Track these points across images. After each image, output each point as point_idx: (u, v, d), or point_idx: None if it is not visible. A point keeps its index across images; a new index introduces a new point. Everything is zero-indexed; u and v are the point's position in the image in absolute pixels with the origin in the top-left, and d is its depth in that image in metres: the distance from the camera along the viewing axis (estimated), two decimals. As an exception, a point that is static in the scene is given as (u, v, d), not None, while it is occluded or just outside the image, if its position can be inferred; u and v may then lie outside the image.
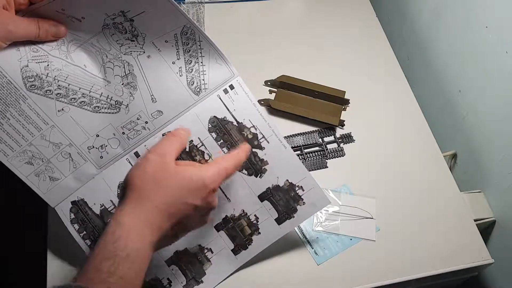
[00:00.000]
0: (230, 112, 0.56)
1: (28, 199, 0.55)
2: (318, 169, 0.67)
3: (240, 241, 0.56)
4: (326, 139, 0.70)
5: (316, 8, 0.87)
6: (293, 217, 0.56)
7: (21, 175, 0.52)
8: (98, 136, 0.53)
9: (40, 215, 0.65)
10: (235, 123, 0.56)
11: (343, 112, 0.72)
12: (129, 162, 0.54)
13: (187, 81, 0.54)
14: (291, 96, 0.73)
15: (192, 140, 0.55)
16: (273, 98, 0.73)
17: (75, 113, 0.52)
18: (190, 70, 0.54)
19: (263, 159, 0.56)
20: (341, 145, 0.69)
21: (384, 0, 0.94)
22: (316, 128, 0.70)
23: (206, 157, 0.55)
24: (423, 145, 0.70)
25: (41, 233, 0.61)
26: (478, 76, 0.70)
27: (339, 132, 0.71)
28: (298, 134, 0.69)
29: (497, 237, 0.69)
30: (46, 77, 0.50)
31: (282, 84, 0.73)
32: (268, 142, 0.56)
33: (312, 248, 0.60)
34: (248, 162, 0.56)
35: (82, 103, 0.52)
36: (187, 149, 0.55)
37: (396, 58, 0.80)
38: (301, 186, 0.56)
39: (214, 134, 0.55)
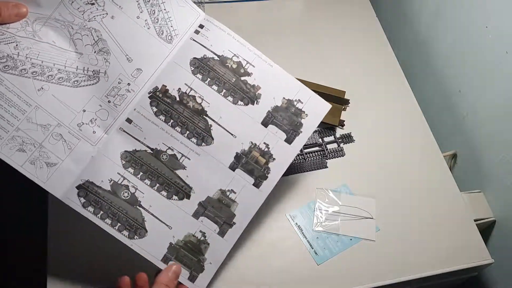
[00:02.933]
0: (208, 49, 0.55)
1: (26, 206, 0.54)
2: (318, 169, 0.67)
3: (259, 173, 0.55)
4: (326, 139, 0.70)
5: (316, 8, 0.87)
6: (301, 132, 0.56)
7: (15, 164, 0.50)
8: (85, 111, 0.52)
9: (38, 222, 0.65)
10: (216, 57, 0.55)
11: (343, 112, 0.72)
12: (123, 130, 0.53)
13: (156, 31, 0.54)
14: (291, 96, 0.73)
15: (180, 88, 0.54)
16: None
17: (56, 91, 0.51)
18: (156, 20, 0.54)
19: (254, 85, 0.56)
20: (341, 145, 0.69)
21: (384, 0, 0.94)
22: (316, 128, 0.70)
23: (199, 100, 0.54)
24: (423, 145, 0.70)
25: (40, 240, 0.60)
26: (478, 76, 0.70)
27: (339, 132, 0.71)
28: None
29: (497, 237, 0.69)
30: (17, 56, 0.49)
31: (282, 84, 0.73)
32: (253, 66, 0.56)
33: (312, 248, 0.60)
34: (241, 92, 0.55)
35: (60, 79, 0.51)
36: (177, 99, 0.54)
37: (396, 58, 0.80)
38: (298, 100, 0.56)
39: (199, 75, 0.55)
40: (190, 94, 0.54)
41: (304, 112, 0.56)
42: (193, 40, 0.55)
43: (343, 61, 0.79)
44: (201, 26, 0.56)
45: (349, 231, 0.61)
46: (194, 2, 0.83)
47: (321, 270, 0.58)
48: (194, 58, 0.55)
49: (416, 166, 0.68)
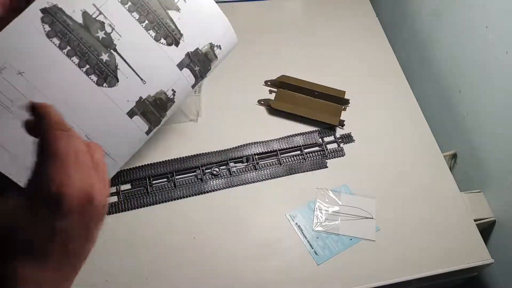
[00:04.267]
0: None
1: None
2: (318, 169, 0.67)
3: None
4: (326, 139, 0.70)
5: (316, 8, 0.87)
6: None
7: None
8: None
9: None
10: None
11: (343, 112, 0.72)
12: None
13: None
14: (291, 96, 0.73)
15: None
16: (273, 98, 0.73)
17: None
18: None
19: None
20: (341, 145, 0.69)
21: (384, 0, 0.94)
22: (316, 128, 0.70)
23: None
24: (423, 145, 0.70)
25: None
26: (478, 76, 0.70)
27: (339, 132, 0.71)
28: (298, 134, 0.69)
29: (497, 237, 0.69)
30: None
31: (282, 84, 0.73)
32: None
33: (312, 248, 0.60)
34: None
35: None
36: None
37: (396, 58, 0.80)
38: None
39: None
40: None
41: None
42: None
43: (343, 61, 0.79)
44: None
45: (349, 231, 0.61)
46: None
47: (321, 270, 0.58)
48: None
49: (416, 166, 0.68)
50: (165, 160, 0.65)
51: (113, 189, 0.62)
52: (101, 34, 0.45)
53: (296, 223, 0.61)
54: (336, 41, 0.82)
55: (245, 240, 0.60)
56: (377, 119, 0.73)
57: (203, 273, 0.57)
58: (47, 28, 0.42)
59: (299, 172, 0.66)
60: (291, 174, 0.66)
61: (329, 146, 0.69)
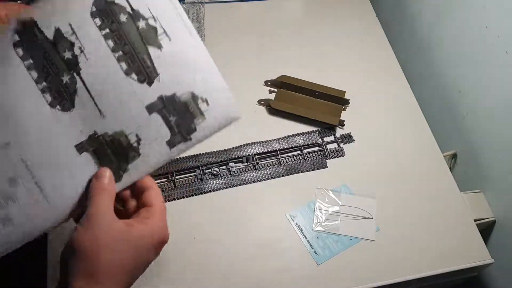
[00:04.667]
0: None
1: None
2: (318, 169, 0.67)
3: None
4: (326, 139, 0.70)
5: (316, 8, 0.87)
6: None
7: None
8: None
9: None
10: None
11: (343, 112, 0.72)
12: None
13: None
14: (291, 96, 0.73)
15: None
16: (273, 98, 0.73)
17: None
18: None
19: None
20: (341, 145, 0.69)
21: (384, 0, 0.94)
22: (316, 128, 0.70)
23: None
24: (423, 145, 0.70)
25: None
26: (478, 76, 0.70)
27: (339, 132, 0.71)
28: (298, 134, 0.69)
29: (497, 237, 0.69)
30: None
31: (282, 84, 0.73)
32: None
33: (312, 248, 0.60)
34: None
35: None
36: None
37: (396, 58, 0.80)
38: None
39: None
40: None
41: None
42: None
43: (343, 61, 0.79)
44: None
45: (349, 231, 0.61)
46: (194, 2, 0.83)
47: (321, 270, 0.58)
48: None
49: (416, 166, 0.68)
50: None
51: None
52: (67, 54, 0.42)
53: (296, 223, 0.61)
54: (336, 41, 0.82)
55: (245, 240, 0.60)
56: (377, 119, 0.73)
57: (203, 273, 0.57)
58: (16, 38, 0.41)
59: (299, 172, 0.66)
60: (291, 174, 0.66)
61: (329, 146, 0.69)
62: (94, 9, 0.42)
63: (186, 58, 0.43)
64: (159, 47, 0.43)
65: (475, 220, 0.65)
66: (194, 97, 0.43)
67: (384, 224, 0.62)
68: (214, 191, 0.63)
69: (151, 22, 0.42)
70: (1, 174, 0.40)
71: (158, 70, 0.43)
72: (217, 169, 0.65)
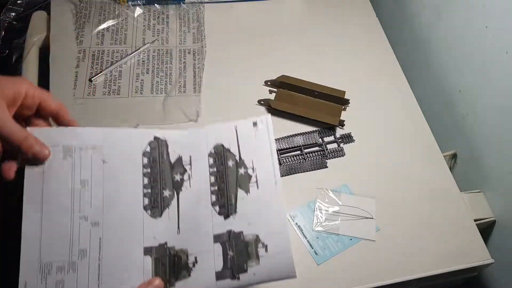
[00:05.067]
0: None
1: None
2: (318, 169, 0.67)
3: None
4: (326, 139, 0.70)
5: (316, 8, 0.87)
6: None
7: None
8: None
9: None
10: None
11: (343, 112, 0.72)
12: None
13: None
14: (291, 96, 0.73)
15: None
16: (273, 98, 0.73)
17: None
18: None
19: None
20: (341, 145, 0.69)
21: (384, 0, 0.94)
22: (316, 128, 0.70)
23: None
24: (423, 145, 0.70)
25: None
26: (478, 76, 0.70)
27: (339, 132, 0.71)
28: (298, 134, 0.69)
29: (497, 237, 0.69)
30: None
31: (282, 84, 0.73)
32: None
33: (312, 248, 0.60)
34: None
35: None
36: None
37: (396, 58, 0.80)
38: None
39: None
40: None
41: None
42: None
43: (343, 61, 0.79)
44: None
45: (349, 231, 0.61)
46: (194, 2, 0.83)
47: (321, 270, 0.58)
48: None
49: (416, 166, 0.68)
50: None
51: None
52: (177, 177, 0.50)
53: (296, 223, 0.61)
54: (336, 41, 0.82)
55: None
56: (377, 119, 0.73)
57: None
58: (148, 148, 0.50)
59: (299, 172, 0.66)
60: (291, 174, 0.66)
61: (329, 146, 0.69)
62: (212, 151, 0.51)
63: (264, 206, 0.49)
64: (247, 191, 0.50)
65: (475, 220, 0.65)
66: (257, 240, 0.48)
67: (384, 224, 0.62)
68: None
69: (249, 171, 0.51)
70: (78, 242, 0.46)
71: (238, 209, 0.49)
72: None
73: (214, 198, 0.50)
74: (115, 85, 0.71)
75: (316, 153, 0.68)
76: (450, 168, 0.73)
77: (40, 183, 0.47)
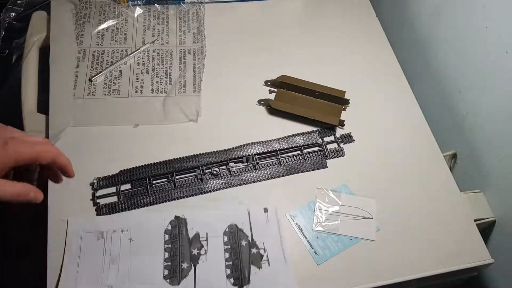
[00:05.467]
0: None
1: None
2: (318, 169, 0.67)
3: None
4: (326, 139, 0.70)
5: (316, 8, 0.87)
6: None
7: None
8: None
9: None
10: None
11: (343, 112, 0.72)
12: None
13: None
14: (291, 96, 0.73)
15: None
16: (273, 98, 0.73)
17: None
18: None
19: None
20: (341, 145, 0.69)
21: (384, 0, 0.94)
22: (316, 128, 0.70)
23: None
24: (423, 145, 0.70)
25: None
26: (478, 76, 0.70)
27: (339, 132, 0.71)
28: (298, 134, 0.69)
29: (497, 237, 0.69)
30: None
31: (282, 84, 0.73)
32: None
33: (312, 248, 0.60)
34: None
35: None
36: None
37: (396, 58, 0.80)
38: None
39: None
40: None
41: None
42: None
43: (343, 61, 0.79)
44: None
45: (349, 231, 0.61)
46: (194, 2, 0.83)
47: (321, 270, 0.58)
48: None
49: (416, 166, 0.68)
50: (165, 160, 0.65)
51: (113, 189, 0.62)
52: (195, 251, 0.57)
53: (296, 223, 0.61)
54: (336, 41, 0.82)
55: None
56: (377, 119, 0.73)
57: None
58: (169, 226, 0.58)
59: (299, 172, 0.66)
60: (291, 174, 0.66)
61: (329, 146, 0.69)
62: (227, 230, 0.59)
63: (275, 280, 0.56)
64: (259, 267, 0.57)
65: (475, 220, 0.65)
66: None
67: (384, 224, 0.62)
68: (214, 191, 0.63)
69: (261, 251, 0.58)
70: None
71: (251, 281, 0.56)
72: (217, 169, 0.65)
73: (228, 271, 0.56)
74: (115, 85, 0.71)
75: (316, 153, 0.68)
76: (450, 168, 0.73)
77: (77, 258, 0.55)
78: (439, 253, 0.60)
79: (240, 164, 0.67)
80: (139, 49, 0.75)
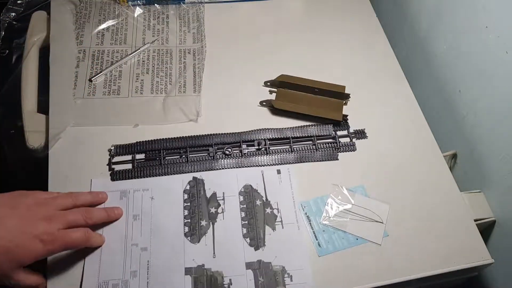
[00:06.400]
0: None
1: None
2: (328, 160, 0.67)
3: None
4: (339, 132, 0.71)
5: (316, 8, 0.87)
6: None
7: None
8: None
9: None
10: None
11: (344, 107, 0.72)
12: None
13: None
14: (291, 95, 0.73)
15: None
16: (273, 99, 0.73)
17: None
18: None
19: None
20: (353, 140, 0.70)
21: (384, 0, 0.94)
22: (331, 121, 0.71)
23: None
24: (423, 145, 0.70)
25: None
26: (478, 76, 0.70)
27: (353, 127, 0.71)
28: (312, 124, 0.70)
29: (497, 237, 0.69)
30: None
31: (281, 84, 0.73)
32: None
33: (317, 240, 0.60)
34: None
35: None
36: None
37: (396, 58, 0.80)
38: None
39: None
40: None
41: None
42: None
43: (343, 61, 0.79)
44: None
45: (356, 230, 0.61)
46: (194, 2, 0.83)
47: (321, 262, 0.58)
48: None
49: (416, 166, 0.68)
50: (180, 136, 0.67)
51: (129, 157, 0.64)
52: (212, 210, 0.60)
53: (306, 213, 0.62)
54: (336, 41, 0.82)
55: None
56: (376, 119, 0.73)
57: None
58: (187, 186, 0.61)
59: (309, 161, 0.67)
60: (301, 162, 0.66)
61: (342, 140, 0.70)
62: (242, 190, 0.62)
63: (289, 245, 0.58)
64: (273, 229, 0.59)
65: (475, 220, 0.65)
66: (283, 270, 0.56)
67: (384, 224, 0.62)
68: (224, 169, 0.65)
69: (275, 211, 0.60)
70: (130, 265, 0.55)
71: (266, 243, 0.58)
72: (229, 149, 0.66)
73: (245, 230, 0.58)
74: (115, 85, 0.71)
75: (328, 145, 0.69)
76: (450, 168, 0.73)
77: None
78: (439, 253, 0.60)
79: (252, 147, 0.68)
80: (139, 49, 0.75)
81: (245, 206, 0.60)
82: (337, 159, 0.67)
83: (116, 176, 0.62)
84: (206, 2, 0.83)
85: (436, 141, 0.71)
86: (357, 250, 0.60)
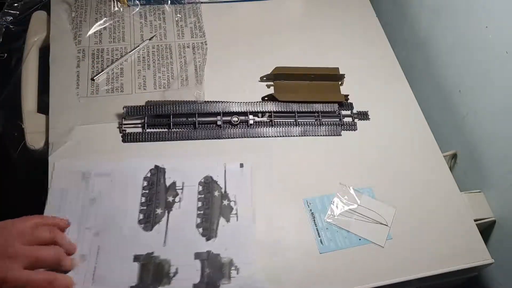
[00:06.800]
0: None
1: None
2: (331, 135, 0.69)
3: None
4: (344, 112, 0.72)
5: (315, 8, 0.87)
6: None
7: None
8: None
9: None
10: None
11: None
12: None
13: None
14: (289, 85, 0.73)
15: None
16: (272, 92, 0.73)
17: None
18: None
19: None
20: (355, 120, 0.71)
21: (384, 0, 0.94)
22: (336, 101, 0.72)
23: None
24: (423, 145, 0.70)
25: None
26: (478, 76, 0.70)
27: (356, 108, 0.72)
28: (318, 101, 0.71)
29: (497, 237, 0.69)
30: None
31: (277, 76, 0.74)
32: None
33: (319, 237, 0.60)
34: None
35: None
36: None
37: (396, 58, 0.80)
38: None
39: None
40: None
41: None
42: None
43: (342, 61, 0.79)
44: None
45: (360, 231, 0.61)
46: (194, 2, 0.83)
47: (321, 259, 0.58)
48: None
49: (416, 166, 0.68)
50: (189, 100, 0.69)
51: (138, 120, 0.67)
52: (170, 198, 0.59)
53: (311, 210, 0.62)
54: (336, 41, 0.82)
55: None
56: (376, 119, 0.73)
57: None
58: (148, 174, 0.61)
59: (313, 135, 0.68)
60: (305, 135, 0.68)
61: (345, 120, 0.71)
62: (202, 180, 0.61)
63: (240, 236, 0.57)
64: (227, 220, 0.59)
65: (475, 220, 0.65)
66: (231, 263, 0.55)
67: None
68: (230, 138, 0.67)
69: (232, 204, 0.60)
70: (81, 249, 0.54)
71: (218, 234, 0.57)
72: (236, 118, 0.68)
73: (199, 220, 0.58)
74: (117, 82, 0.71)
75: (332, 121, 0.70)
76: (450, 168, 0.73)
77: (60, 197, 0.58)
78: (439, 253, 0.60)
79: (257, 118, 0.70)
80: (138, 46, 0.75)
81: (203, 196, 0.60)
82: (340, 135, 0.69)
83: (127, 138, 0.64)
84: (205, 2, 0.83)
85: (436, 141, 0.71)
86: (358, 250, 0.60)
